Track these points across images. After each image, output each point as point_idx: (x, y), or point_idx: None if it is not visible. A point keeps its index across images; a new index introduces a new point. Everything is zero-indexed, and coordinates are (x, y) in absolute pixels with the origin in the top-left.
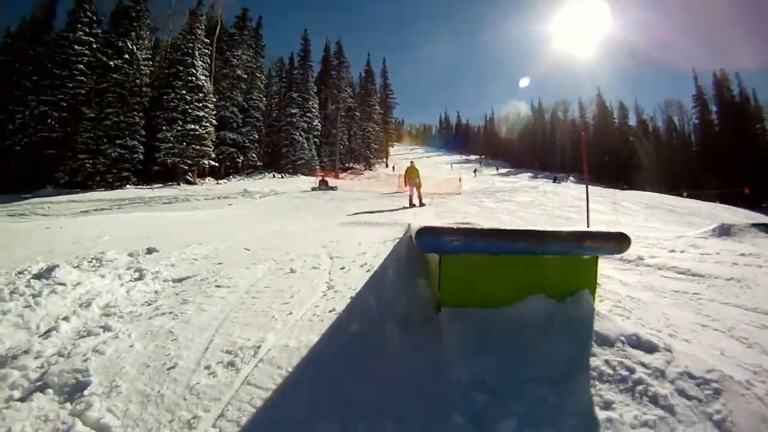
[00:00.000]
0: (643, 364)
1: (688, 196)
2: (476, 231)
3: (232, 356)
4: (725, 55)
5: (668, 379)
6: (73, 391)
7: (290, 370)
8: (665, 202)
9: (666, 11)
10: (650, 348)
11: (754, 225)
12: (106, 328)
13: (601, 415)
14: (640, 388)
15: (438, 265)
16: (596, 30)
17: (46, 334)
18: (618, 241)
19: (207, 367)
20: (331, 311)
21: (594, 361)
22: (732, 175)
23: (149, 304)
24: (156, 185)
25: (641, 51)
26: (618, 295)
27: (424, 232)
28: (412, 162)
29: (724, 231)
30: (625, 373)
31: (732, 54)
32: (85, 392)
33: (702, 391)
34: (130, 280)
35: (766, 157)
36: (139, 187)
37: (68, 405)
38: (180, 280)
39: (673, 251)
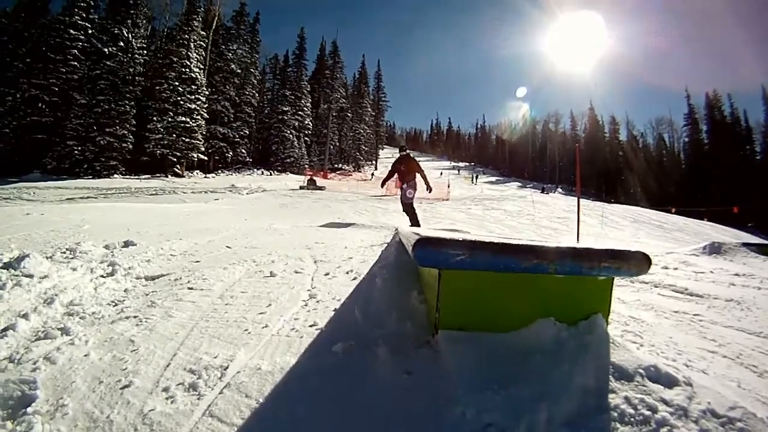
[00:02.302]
0: (665, 402)
1: (676, 213)
2: (484, 244)
3: (195, 377)
4: (718, 76)
5: (692, 418)
6: (18, 406)
7: (261, 401)
8: (653, 218)
9: (661, 29)
10: (670, 382)
11: (745, 244)
12: (65, 331)
13: None
14: (664, 430)
15: (436, 281)
16: (591, 44)
17: (3, 332)
18: (639, 262)
19: (165, 389)
20: (312, 325)
21: (614, 399)
22: (720, 194)
23: (115, 305)
24: (144, 176)
25: (635, 67)
26: (621, 315)
27: (423, 243)
28: (404, 148)
29: (715, 249)
30: (647, 412)
31: (725, 74)
32: (29, 409)
33: None
34: (101, 276)
35: (755, 177)
36: (127, 177)
37: (8, 424)
38: (152, 279)
39: (666, 268)
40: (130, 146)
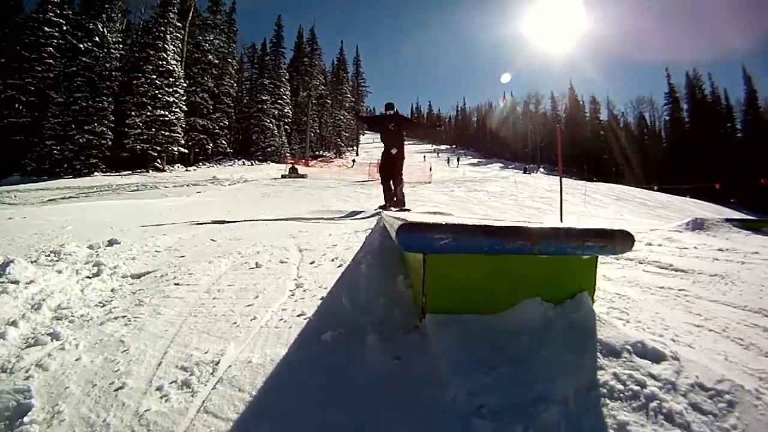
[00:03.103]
0: (653, 376)
1: (659, 190)
2: (468, 228)
3: (188, 374)
4: (699, 54)
5: (680, 392)
6: (14, 416)
7: (254, 393)
8: (636, 195)
9: (641, 8)
10: (657, 357)
11: (727, 220)
12: (54, 336)
13: None
14: (653, 404)
15: (422, 265)
16: (570, 24)
17: None
18: (623, 241)
19: (159, 389)
20: (300, 315)
21: (603, 375)
22: (702, 172)
23: (103, 306)
24: (124, 172)
25: (615, 48)
26: (606, 292)
27: (406, 228)
28: (393, 106)
29: (698, 225)
30: (636, 387)
31: (706, 53)
32: (26, 419)
33: (716, 405)
34: (87, 276)
35: (736, 154)
36: (108, 174)
37: None
38: (138, 276)
39: (650, 244)
40: (110, 143)
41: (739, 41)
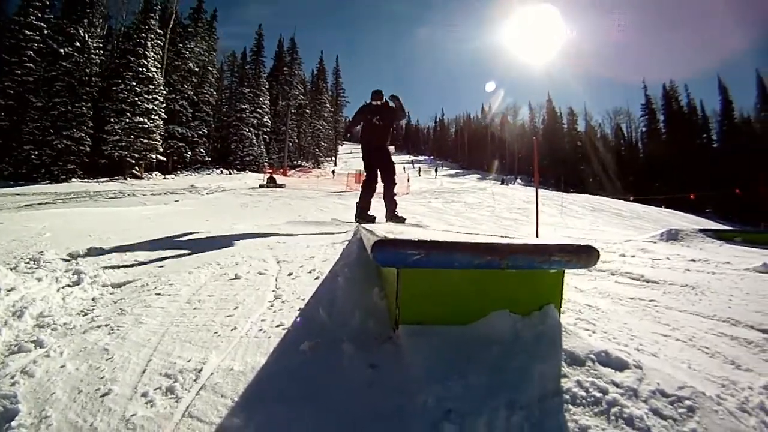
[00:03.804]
0: (615, 384)
1: (635, 201)
2: (439, 244)
3: (172, 381)
4: (675, 66)
5: (641, 398)
6: (1, 421)
7: (236, 399)
8: (612, 206)
9: (620, 22)
10: (620, 365)
11: (701, 230)
12: (38, 344)
13: None
14: (614, 410)
15: (395, 278)
16: (549, 37)
17: None
18: (587, 255)
19: (144, 395)
20: (278, 326)
21: (566, 383)
22: (677, 182)
23: (85, 314)
24: (102, 179)
25: (593, 58)
26: (576, 303)
27: (381, 244)
28: (380, 93)
29: (672, 236)
30: (598, 394)
31: (683, 65)
32: (13, 423)
33: (676, 410)
34: (68, 285)
35: (712, 164)
36: (85, 180)
37: None
38: (119, 286)
39: (623, 255)
40: (88, 149)
41: (715, 52)
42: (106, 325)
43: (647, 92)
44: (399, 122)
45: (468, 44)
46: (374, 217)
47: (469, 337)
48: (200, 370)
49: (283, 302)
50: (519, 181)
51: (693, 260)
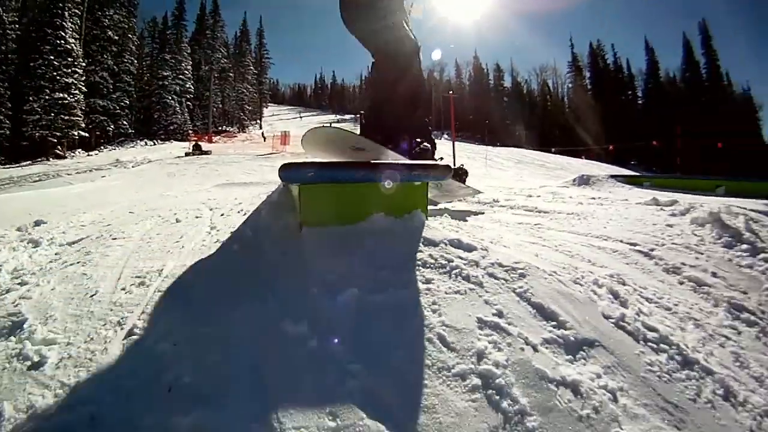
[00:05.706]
0: (461, 258)
1: (557, 153)
2: (326, 164)
3: (142, 278)
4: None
5: (481, 266)
6: (14, 328)
7: (189, 278)
8: (536, 158)
9: None
10: (469, 248)
11: (612, 176)
12: (25, 283)
13: (423, 286)
14: (456, 271)
15: (298, 194)
16: None
17: None
18: (442, 170)
19: (123, 289)
20: (216, 242)
21: (420, 255)
22: (602, 136)
23: (56, 261)
24: (24, 162)
25: (521, 14)
26: (462, 223)
27: (285, 167)
28: None
29: (584, 181)
30: (444, 262)
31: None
32: (25, 326)
33: (509, 275)
34: (28, 248)
35: (636, 121)
36: (6, 166)
37: (12, 338)
38: (76, 242)
39: (530, 196)
40: (8, 132)
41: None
42: (78, 263)
43: (574, 50)
44: None
45: None
46: None
47: (354, 231)
48: (161, 270)
49: (218, 231)
50: (445, 135)
51: (593, 198)
